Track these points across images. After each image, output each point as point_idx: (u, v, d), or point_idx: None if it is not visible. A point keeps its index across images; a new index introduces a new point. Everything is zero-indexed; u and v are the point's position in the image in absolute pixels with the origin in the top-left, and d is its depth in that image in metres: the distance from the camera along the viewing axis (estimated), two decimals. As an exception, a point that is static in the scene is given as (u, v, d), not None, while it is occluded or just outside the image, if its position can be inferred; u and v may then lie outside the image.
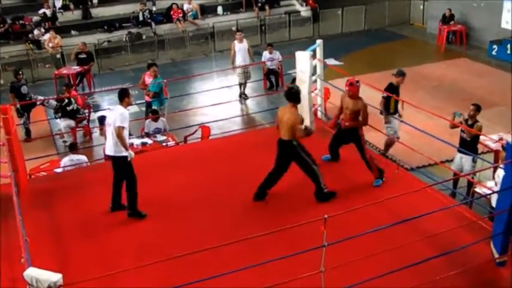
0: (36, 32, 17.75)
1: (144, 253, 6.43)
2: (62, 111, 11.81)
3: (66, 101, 11.81)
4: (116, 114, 7.01)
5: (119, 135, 6.91)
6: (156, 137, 10.41)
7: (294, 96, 7.44)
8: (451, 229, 6.21)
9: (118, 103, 7.16)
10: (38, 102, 12.18)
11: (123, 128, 6.93)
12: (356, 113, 7.74)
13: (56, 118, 12.10)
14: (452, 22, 18.18)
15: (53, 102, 12.19)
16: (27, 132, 12.05)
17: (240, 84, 14.08)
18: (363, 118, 7.78)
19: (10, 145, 7.62)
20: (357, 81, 7.83)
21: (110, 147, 7.10)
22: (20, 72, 12.49)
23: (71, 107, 11.81)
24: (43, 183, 8.56)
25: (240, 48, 13.97)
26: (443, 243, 6.14)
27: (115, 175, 7.25)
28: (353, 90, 7.79)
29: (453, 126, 8.88)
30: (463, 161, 8.81)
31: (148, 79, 11.79)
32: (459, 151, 8.76)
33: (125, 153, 7.02)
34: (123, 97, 7.14)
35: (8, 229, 6.82)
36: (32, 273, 4.48)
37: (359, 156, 7.93)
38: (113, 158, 7.16)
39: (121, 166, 7.13)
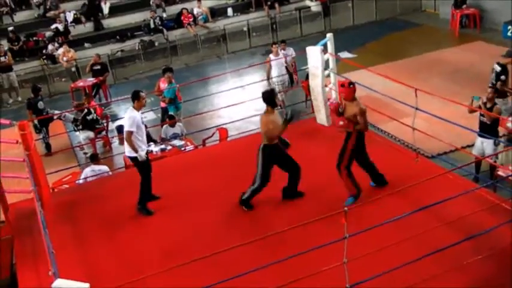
0: (50, 47, 17.96)
1: (169, 258, 6.46)
2: (83, 121, 11.88)
3: (86, 111, 11.91)
4: (125, 117, 7.31)
5: (127, 139, 7.20)
6: (174, 142, 10.46)
7: (266, 99, 7.29)
8: (475, 213, 6.14)
9: (132, 105, 7.39)
10: (54, 117, 12.30)
11: (130, 132, 7.16)
12: (352, 117, 7.08)
13: (76, 131, 12.24)
14: (464, 6, 17.94)
15: (70, 116, 12.33)
16: (48, 146, 12.19)
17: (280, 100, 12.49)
18: (361, 123, 7.08)
19: (30, 160, 7.72)
20: (351, 84, 7.21)
21: (125, 147, 7.42)
22: (39, 88, 12.65)
23: (91, 117, 11.91)
24: (66, 196, 8.66)
25: (277, 62, 12.89)
26: (467, 228, 6.07)
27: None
28: (345, 93, 7.22)
29: (472, 110, 8.78)
30: (485, 145, 8.71)
31: (163, 85, 11.86)
32: (480, 135, 8.65)
33: (132, 154, 7.32)
34: (134, 99, 7.35)
35: (34, 243, 6.93)
36: (60, 284, 4.53)
37: (378, 148, 7.85)
38: (129, 158, 7.53)
39: (136, 165, 7.48)
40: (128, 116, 7.26)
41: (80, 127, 11.98)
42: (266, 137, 7.17)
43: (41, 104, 12.25)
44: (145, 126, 7.90)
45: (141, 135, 7.37)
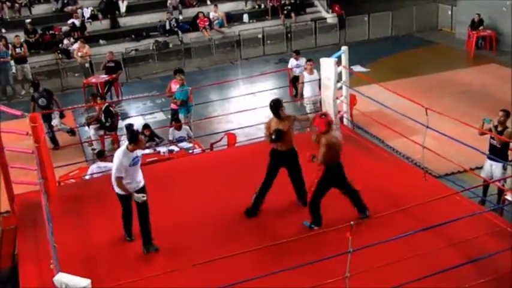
0: (65, 41, 18.08)
1: (171, 258, 6.48)
2: (106, 112, 11.84)
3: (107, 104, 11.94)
4: (115, 157, 6.59)
5: (118, 185, 6.60)
6: (182, 144, 10.49)
7: (271, 108, 7.29)
8: (480, 236, 6.11)
9: (127, 145, 6.62)
10: (53, 123, 12.24)
11: (119, 178, 6.53)
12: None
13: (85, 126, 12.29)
14: (481, 27, 17.92)
15: (66, 127, 12.34)
16: (53, 140, 12.13)
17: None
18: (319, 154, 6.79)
19: (39, 153, 7.75)
20: (322, 115, 6.99)
21: (114, 186, 6.75)
22: (37, 83, 12.60)
23: (111, 110, 11.93)
24: (72, 190, 8.69)
25: (311, 80, 11.80)
26: (472, 251, 6.05)
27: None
28: (318, 124, 6.88)
29: (482, 133, 8.74)
30: (493, 168, 8.65)
31: (175, 86, 11.90)
32: (489, 158, 8.60)
33: (123, 192, 6.68)
34: (132, 141, 6.58)
35: (37, 236, 6.95)
36: (62, 278, 4.55)
37: (386, 164, 7.80)
38: (117, 195, 6.82)
39: (119, 200, 6.83)
40: (117, 158, 6.52)
41: (91, 121, 11.96)
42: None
43: (43, 101, 12.17)
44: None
45: (129, 175, 6.62)
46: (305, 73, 11.91)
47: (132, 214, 6.88)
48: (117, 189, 6.74)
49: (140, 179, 6.81)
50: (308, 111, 11.62)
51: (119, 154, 6.57)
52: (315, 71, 11.66)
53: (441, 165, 9.43)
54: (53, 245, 5.57)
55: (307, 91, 11.88)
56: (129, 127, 12.69)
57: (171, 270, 5.24)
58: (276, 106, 7.28)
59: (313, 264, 5.22)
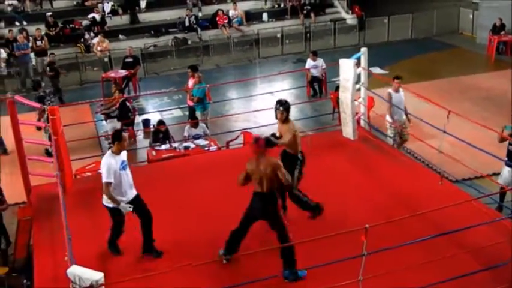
0: (85, 35, 18.21)
1: (183, 254, 6.48)
2: (121, 106, 11.84)
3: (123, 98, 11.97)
4: (101, 164, 6.35)
5: (105, 191, 6.27)
6: (198, 141, 10.50)
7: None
8: (497, 243, 6.04)
9: (111, 148, 6.44)
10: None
11: (108, 184, 6.21)
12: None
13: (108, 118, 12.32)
14: (503, 32, 17.73)
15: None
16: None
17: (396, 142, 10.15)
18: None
19: (57, 146, 7.80)
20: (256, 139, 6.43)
21: (103, 198, 6.46)
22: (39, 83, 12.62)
23: (128, 104, 11.95)
24: (88, 184, 8.71)
25: (398, 100, 9.96)
26: (488, 258, 5.98)
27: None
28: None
29: (502, 139, 8.64)
30: None
31: (190, 81, 11.95)
32: (507, 165, 8.52)
33: (114, 205, 6.36)
34: (115, 140, 6.38)
35: (52, 227, 7.00)
36: (75, 271, 4.57)
37: (403, 168, 7.71)
38: (106, 208, 6.49)
39: (110, 214, 6.50)
40: (103, 162, 6.28)
41: (109, 114, 12.00)
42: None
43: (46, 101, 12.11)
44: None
45: (118, 183, 6.31)
46: (390, 90, 9.96)
47: (124, 228, 6.59)
48: (105, 202, 6.40)
49: (133, 188, 6.51)
50: (390, 134, 10.05)
51: (104, 159, 6.33)
52: (400, 89, 10.03)
53: (458, 170, 9.35)
54: (68, 237, 5.61)
55: (395, 114, 9.95)
56: (146, 122, 12.82)
57: (186, 265, 5.23)
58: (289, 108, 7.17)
59: (326, 266, 5.20)
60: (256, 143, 6.28)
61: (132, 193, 6.51)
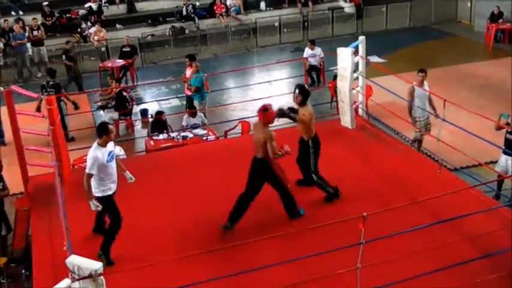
0: (82, 25, 18.12)
1: (182, 244, 6.49)
2: (118, 97, 11.84)
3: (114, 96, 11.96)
4: (88, 156, 6.26)
5: (84, 180, 6.21)
6: (196, 131, 10.49)
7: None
8: (494, 231, 6.06)
9: (97, 140, 6.27)
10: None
11: (89, 175, 6.18)
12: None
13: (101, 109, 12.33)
14: (500, 20, 17.70)
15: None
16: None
17: (415, 141, 10.01)
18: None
19: (54, 136, 7.79)
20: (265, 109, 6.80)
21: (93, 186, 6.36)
22: (54, 70, 12.33)
23: (124, 94, 11.93)
24: (85, 174, 8.71)
25: (422, 94, 9.67)
26: (485, 246, 6.00)
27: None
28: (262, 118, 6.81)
29: (499, 127, 8.64)
30: (509, 163, 8.57)
31: (188, 71, 11.92)
32: (505, 153, 8.53)
33: (105, 194, 6.30)
34: (102, 133, 6.25)
35: (51, 217, 7.00)
36: (74, 260, 4.56)
37: (401, 156, 7.75)
38: (97, 198, 6.38)
39: (103, 205, 6.38)
40: (90, 154, 6.20)
41: (105, 104, 11.99)
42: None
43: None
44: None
45: (109, 174, 6.29)
46: (414, 85, 9.71)
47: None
48: (96, 192, 6.30)
49: (115, 182, 6.41)
50: (416, 138, 9.90)
51: (92, 152, 6.21)
52: (425, 82, 9.78)
53: (456, 158, 9.34)
54: (66, 226, 5.61)
55: (418, 109, 9.69)
56: (144, 112, 12.79)
57: (185, 256, 5.25)
58: (308, 93, 7.50)
59: (325, 255, 5.21)
60: (263, 112, 6.72)
61: (115, 186, 6.42)
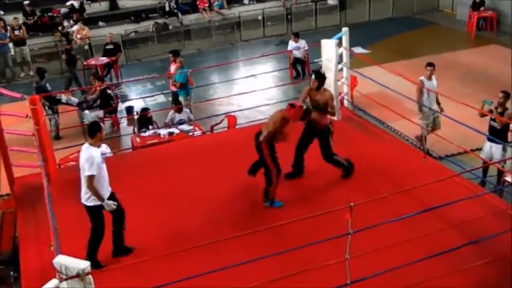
0: (65, 23, 17.97)
1: (171, 241, 6.49)
2: (102, 95, 11.78)
3: (104, 86, 11.90)
4: (83, 158, 5.93)
5: (89, 185, 5.88)
6: (182, 127, 10.47)
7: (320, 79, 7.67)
8: (480, 218, 6.13)
9: (88, 141, 6.02)
10: (63, 100, 12.09)
11: (92, 176, 5.85)
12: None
13: (83, 110, 12.24)
14: (482, 8, 17.80)
15: (75, 100, 12.22)
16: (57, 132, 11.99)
17: (422, 138, 9.68)
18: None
19: (39, 135, 7.73)
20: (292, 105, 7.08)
21: (82, 195, 6.08)
22: (44, 70, 12.33)
23: (109, 92, 11.88)
24: (72, 173, 8.62)
25: (430, 88, 9.71)
26: (471, 232, 6.06)
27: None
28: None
29: (482, 114, 8.71)
30: (493, 150, 8.65)
31: (172, 67, 11.88)
32: (489, 139, 8.60)
33: (97, 203, 6.00)
34: (95, 133, 5.99)
35: (38, 218, 6.96)
36: (61, 260, 4.54)
37: (387, 146, 7.81)
38: (86, 207, 6.11)
39: (90, 214, 6.12)
40: (85, 155, 5.87)
41: (91, 104, 11.92)
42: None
43: (48, 86, 12.09)
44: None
45: (105, 176, 6.08)
46: (423, 78, 9.82)
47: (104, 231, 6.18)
48: (84, 200, 6.03)
49: (108, 187, 6.18)
50: (423, 133, 9.67)
51: (86, 152, 5.91)
52: (433, 77, 9.93)
53: (441, 147, 9.43)
54: (54, 227, 5.58)
55: (427, 101, 9.73)
56: (129, 109, 12.74)
57: (172, 252, 5.25)
58: (323, 77, 7.67)
59: (313, 246, 5.23)
60: (291, 108, 6.95)
61: (109, 188, 6.20)
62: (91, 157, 5.86)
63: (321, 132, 7.59)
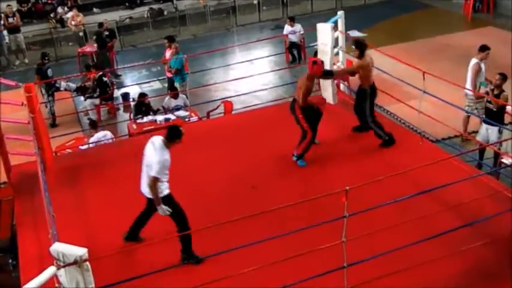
0: (59, 10, 17.85)
1: (168, 226, 6.48)
2: (98, 82, 11.81)
3: (101, 73, 11.89)
4: (155, 159, 5.73)
5: (152, 185, 5.77)
6: (179, 113, 10.45)
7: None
8: (477, 199, 6.14)
9: (164, 141, 5.80)
10: (61, 88, 12.11)
11: (157, 179, 5.72)
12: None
13: (80, 95, 12.23)
14: (478, -10, 17.75)
15: (73, 85, 12.23)
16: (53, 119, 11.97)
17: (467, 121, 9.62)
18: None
19: (35, 123, 7.69)
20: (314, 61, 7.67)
21: (144, 187, 6.01)
22: (47, 57, 12.48)
23: (105, 79, 11.88)
24: (68, 160, 8.67)
25: (483, 72, 9.64)
26: (469, 214, 6.08)
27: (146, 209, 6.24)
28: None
29: (479, 96, 8.70)
30: (489, 132, 8.66)
31: (167, 52, 11.83)
32: (485, 122, 8.60)
33: (165, 192, 5.89)
34: (175, 137, 5.83)
35: (35, 206, 6.95)
36: (58, 248, 4.53)
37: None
38: (148, 199, 6.07)
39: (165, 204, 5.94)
40: (160, 157, 5.70)
41: (90, 92, 11.91)
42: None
43: (50, 71, 12.12)
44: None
45: (167, 174, 5.89)
46: (476, 60, 9.74)
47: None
48: (147, 192, 5.94)
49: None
50: (471, 108, 9.47)
51: (161, 154, 5.72)
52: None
53: (438, 130, 9.41)
54: (51, 214, 5.58)
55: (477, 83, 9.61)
56: (125, 96, 12.72)
57: (167, 238, 5.25)
58: (363, 45, 8.08)
59: (310, 230, 5.24)
60: (313, 64, 7.55)
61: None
62: (165, 161, 5.71)
63: (360, 93, 8.18)
